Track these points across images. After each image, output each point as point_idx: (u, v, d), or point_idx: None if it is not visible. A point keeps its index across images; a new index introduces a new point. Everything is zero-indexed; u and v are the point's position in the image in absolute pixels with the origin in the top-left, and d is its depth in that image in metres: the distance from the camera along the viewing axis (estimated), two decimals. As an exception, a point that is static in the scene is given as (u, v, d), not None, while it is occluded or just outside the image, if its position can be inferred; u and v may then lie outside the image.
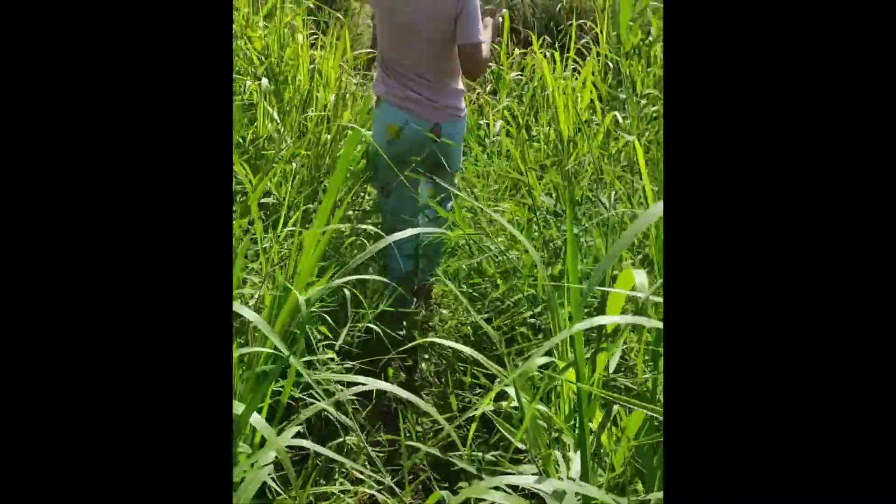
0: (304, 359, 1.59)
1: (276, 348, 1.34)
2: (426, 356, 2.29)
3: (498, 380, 1.43)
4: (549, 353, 1.34)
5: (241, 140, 2.57)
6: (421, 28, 2.20)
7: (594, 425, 1.26)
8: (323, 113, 2.88)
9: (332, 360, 1.71)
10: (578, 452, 1.17)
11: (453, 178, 2.45)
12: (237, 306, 1.27)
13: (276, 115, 2.62)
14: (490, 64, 2.97)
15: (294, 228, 1.87)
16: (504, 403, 1.41)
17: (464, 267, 2.28)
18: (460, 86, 2.38)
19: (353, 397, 1.58)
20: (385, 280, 1.98)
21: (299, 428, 1.32)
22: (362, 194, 2.71)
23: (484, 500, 1.06)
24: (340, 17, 3.48)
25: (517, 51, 4.05)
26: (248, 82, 2.70)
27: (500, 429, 1.41)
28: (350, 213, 2.57)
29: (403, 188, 2.31)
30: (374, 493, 1.51)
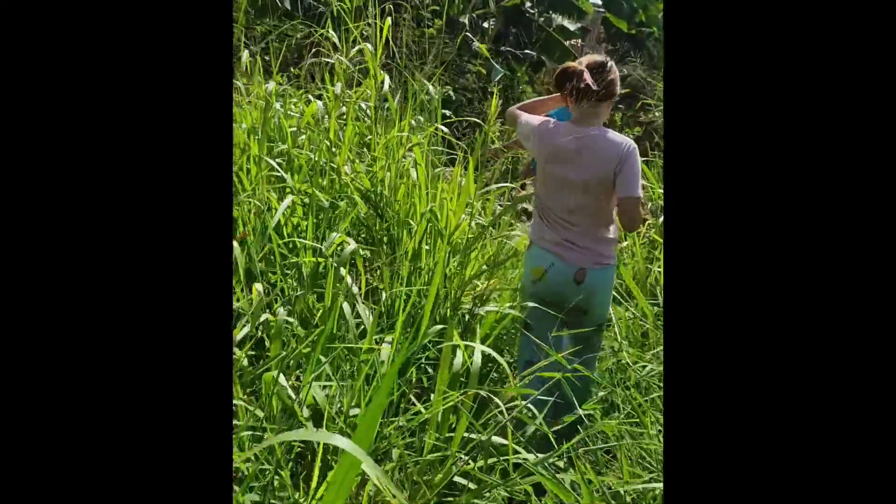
0: None
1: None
2: None
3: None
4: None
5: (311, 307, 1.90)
6: (580, 179, 2.19)
7: None
8: (423, 289, 2.15)
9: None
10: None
11: (598, 332, 2.33)
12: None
13: (358, 299, 1.88)
14: (647, 218, 3.04)
15: None
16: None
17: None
18: (611, 234, 2.31)
19: None
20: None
21: None
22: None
23: None
24: (466, 148, 2.79)
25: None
26: (334, 235, 2.02)
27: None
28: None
29: (544, 328, 2.21)
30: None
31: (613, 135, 2.19)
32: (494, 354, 1.69)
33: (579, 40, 14.49)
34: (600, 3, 11.91)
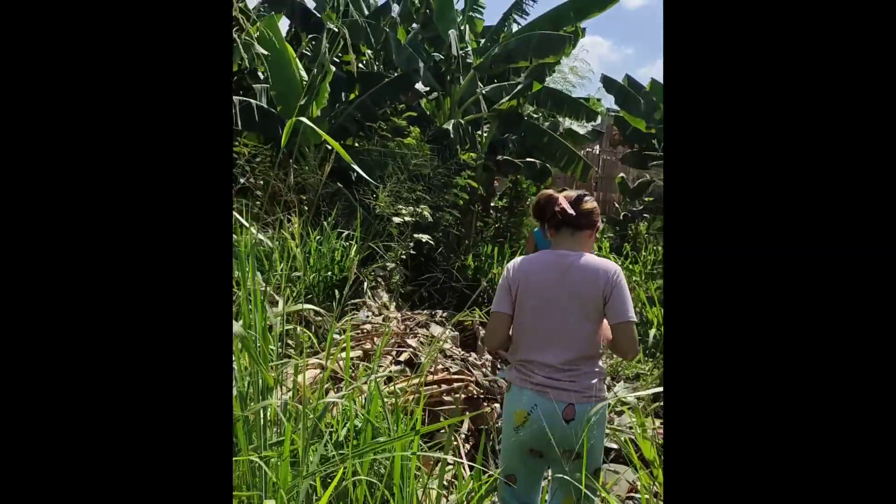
0: None
1: None
2: None
3: None
4: None
5: None
6: (565, 306, 2.12)
7: None
8: None
9: None
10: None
11: (593, 478, 2.09)
12: None
13: None
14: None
15: None
16: None
17: None
18: (599, 367, 2.17)
19: None
20: None
21: None
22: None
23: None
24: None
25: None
26: None
27: None
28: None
29: (531, 480, 2.21)
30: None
31: (596, 258, 2.15)
32: None
33: (596, 145, 13.23)
34: (615, 104, 10.71)
